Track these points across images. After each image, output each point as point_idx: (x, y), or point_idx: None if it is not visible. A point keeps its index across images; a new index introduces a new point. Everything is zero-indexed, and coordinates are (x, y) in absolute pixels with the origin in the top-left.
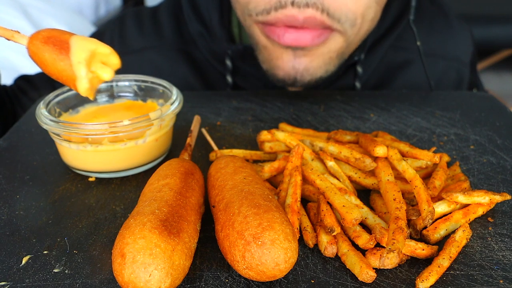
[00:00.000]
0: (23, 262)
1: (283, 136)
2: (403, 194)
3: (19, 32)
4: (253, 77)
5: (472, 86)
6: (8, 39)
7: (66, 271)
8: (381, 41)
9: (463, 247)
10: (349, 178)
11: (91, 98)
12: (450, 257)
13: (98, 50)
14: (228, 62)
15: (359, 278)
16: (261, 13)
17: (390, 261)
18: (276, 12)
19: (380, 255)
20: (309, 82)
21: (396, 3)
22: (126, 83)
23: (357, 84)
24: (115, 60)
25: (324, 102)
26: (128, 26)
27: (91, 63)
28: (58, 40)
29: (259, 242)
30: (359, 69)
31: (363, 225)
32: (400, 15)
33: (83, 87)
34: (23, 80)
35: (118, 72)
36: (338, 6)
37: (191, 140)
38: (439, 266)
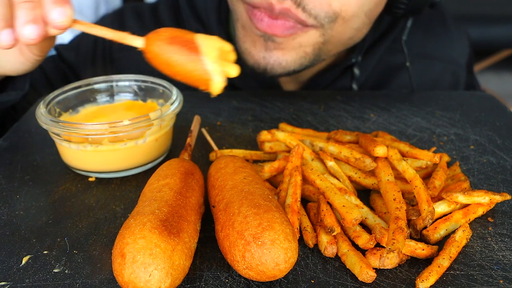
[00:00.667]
0: (23, 262)
1: (283, 136)
2: (403, 194)
3: (130, 33)
4: (249, 77)
5: (468, 88)
6: (120, 42)
7: (66, 271)
8: (378, 43)
9: (463, 247)
10: (349, 178)
11: (216, 94)
12: (450, 257)
13: (223, 48)
14: None
15: (359, 278)
16: None
17: (390, 261)
18: None
19: (380, 255)
20: (281, 74)
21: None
22: (126, 83)
23: (354, 86)
24: (233, 56)
25: (324, 102)
26: (128, 22)
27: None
28: (184, 40)
29: (259, 242)
30: (356, 71)
31: (363, 225)
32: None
33: (218, 86)
34: None
35: (121, 67)
36: (318, 4)
37: (191, 140)
38: (439, 266)
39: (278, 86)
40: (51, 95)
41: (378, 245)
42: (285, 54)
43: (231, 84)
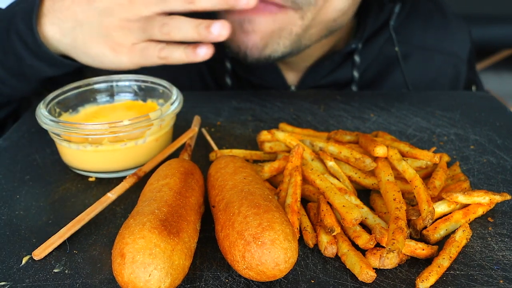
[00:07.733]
0: (23, 262)
1: (283, 136)
2: (403, 194)
3: None
4: (247, 82)
5: (470, 83)
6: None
7: (66, 271)
8: (379, 32)
9: (463, 247)
10: (349, 178)
11: None
12: (450, 257)
13: None
14: (228, 64)
15: (359, 278)
16: None
17: (390, 261)
18: None
19: (380, 255)
20: (259, 59)
21: None
22: (126, 83)
23: (355, 74)
24: None
25: (324, 102)
26: None
27: None
28: None
29: (259, 242)
30: (357, 58)
31: (363, 225)
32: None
33: None
34: None
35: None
36: None
37: (191, 140)
38: (439, 266)
39: (280, 75)
40: (51, 95)
41: (378, 245)
42: (262, 39)
43: (238, 77)
